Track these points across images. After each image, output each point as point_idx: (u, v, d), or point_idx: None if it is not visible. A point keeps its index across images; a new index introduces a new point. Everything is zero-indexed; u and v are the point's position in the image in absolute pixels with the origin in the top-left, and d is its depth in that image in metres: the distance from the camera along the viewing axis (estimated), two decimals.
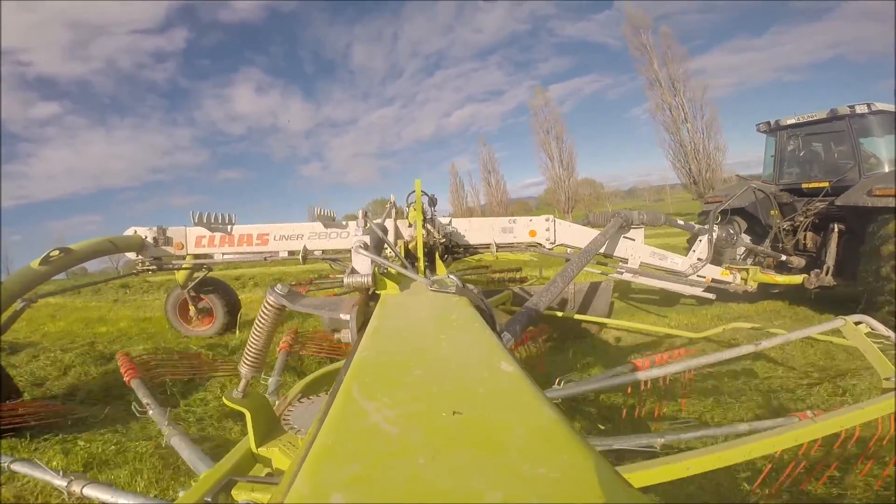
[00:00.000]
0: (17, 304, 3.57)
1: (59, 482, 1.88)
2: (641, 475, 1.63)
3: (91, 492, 1.82)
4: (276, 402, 1.77)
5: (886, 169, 5.73)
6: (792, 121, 6.62)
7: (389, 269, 1.52)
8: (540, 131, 38.25)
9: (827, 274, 5.66)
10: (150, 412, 2.44)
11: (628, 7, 33.26)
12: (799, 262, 6.07)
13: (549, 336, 5.01)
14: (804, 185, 6.36)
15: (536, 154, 38.54)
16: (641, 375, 2.61)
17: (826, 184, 6.02)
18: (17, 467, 2.09)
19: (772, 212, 6.32)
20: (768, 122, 6.99)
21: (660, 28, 32.26)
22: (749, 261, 6.10)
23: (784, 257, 6.04)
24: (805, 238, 6.21)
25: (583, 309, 5.39)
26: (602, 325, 5.35)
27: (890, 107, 5.84)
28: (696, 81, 31.29)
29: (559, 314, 5.01)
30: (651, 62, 31.82)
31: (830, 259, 5.69)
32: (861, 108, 5.80)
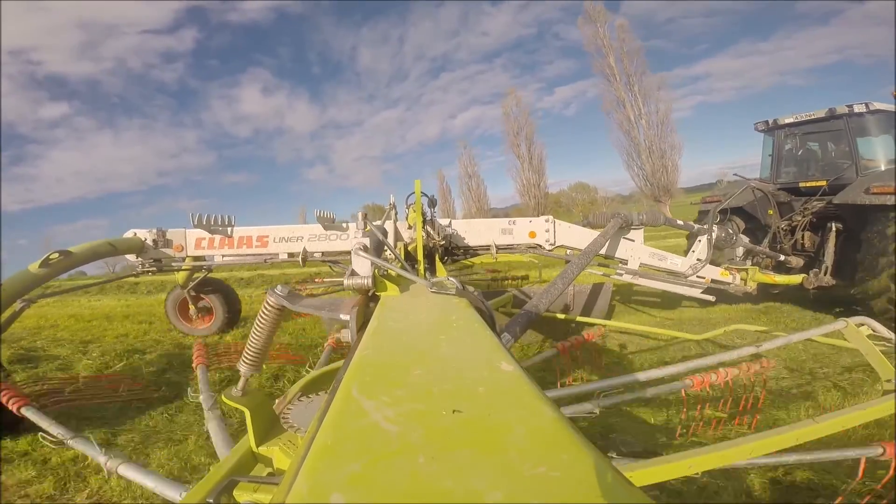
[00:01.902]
0: (17, 305, 3.58)
1: (102, 459, 1.82)
2: (642, 473, 1.63)
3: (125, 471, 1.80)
4: (276, 401, 1.77)
5: (883, 167, 5.73)
6: (790, 119, 6.62)
7: (389, 270, 1.53)
8: (510, 133, 37.26)
9: (826, 274, 5.64)
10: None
11: (588, 4, 32.95)
12: (797, 262, 6.05)
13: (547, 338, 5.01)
14: (801, 185, 6.36)
15: (507, 156, 37.61)
16: (641, 377, 2.62)
17: (823, 182, 6.02)
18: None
19: (769, 211, 6.30)
20: (766, 121, 6.98)
21: (615, 22, 32.03)
22: (749, 261, 6.09)
23: (783, 257, 6.02)
24: (803, 238, 6.20)
25: (582, 311, 5.38)
26: (601, 327, 5.34)
27: (888, 106, 5.85)
28: (651, 77, 31.11)
29: (560, 316, 5.00)
30: (607, 56, 31.48)
31: (829, 259, 5.68)
32: (859, 108, 5.81)
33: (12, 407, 2.56)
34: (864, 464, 1.76)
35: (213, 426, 2.11)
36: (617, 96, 31.18)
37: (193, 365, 3.04)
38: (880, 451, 1.74)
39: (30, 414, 2.45)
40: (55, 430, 2.16)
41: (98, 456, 1.92)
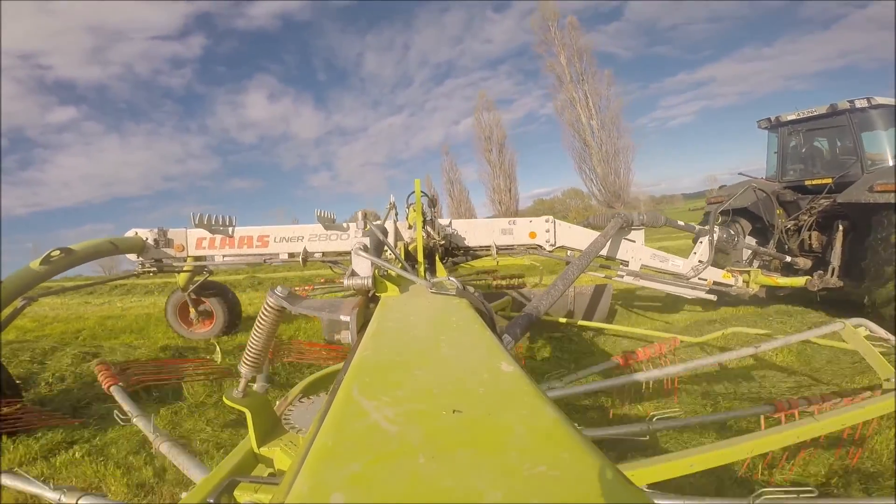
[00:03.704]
0: (18, 302, 3.57)
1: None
2: (643, 472, 1.63)
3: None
4: (278, 402, 1.77)
5: (890, 163, 5.65)
6: (793, 116, 6.57)
7: (389, 271, 1.53)
8: (482, 137, 36.83)
9: (832, 275, 5.49)
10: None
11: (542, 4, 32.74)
12: (805, 262, 5.92)
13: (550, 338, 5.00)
14: (807, 182, 6.28)
15: (478, 161, 37.21)
16: (641, 377, 2.62)
17: (829, 180, 5.93)
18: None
19: (777, 211, 6.18)
20: (769, 119, 6.94)
21: (566, 19, 31.99)
22: (756, 263, 6.00)
23: (789, 258, 5.91)
24: (811, 237, 6.06)
25: (583, 312, 5.37)
26: (601, 330, 5.33)
27: (890, 100, 5.79)
28: (603, 75, 31.19)
29: (561, 320, 4.97)
30: (558, 56, 31.45)
31: (836, 259, 5.53)
32: (861, 103, 5.76)
33: (104, 385, 2.79)
34: None
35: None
36: (568, 97, 31.33)
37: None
38: None
39: (116, 393, 2.66)
40: (128, 408, 2.41)
41: (150, 433, 2.12)
